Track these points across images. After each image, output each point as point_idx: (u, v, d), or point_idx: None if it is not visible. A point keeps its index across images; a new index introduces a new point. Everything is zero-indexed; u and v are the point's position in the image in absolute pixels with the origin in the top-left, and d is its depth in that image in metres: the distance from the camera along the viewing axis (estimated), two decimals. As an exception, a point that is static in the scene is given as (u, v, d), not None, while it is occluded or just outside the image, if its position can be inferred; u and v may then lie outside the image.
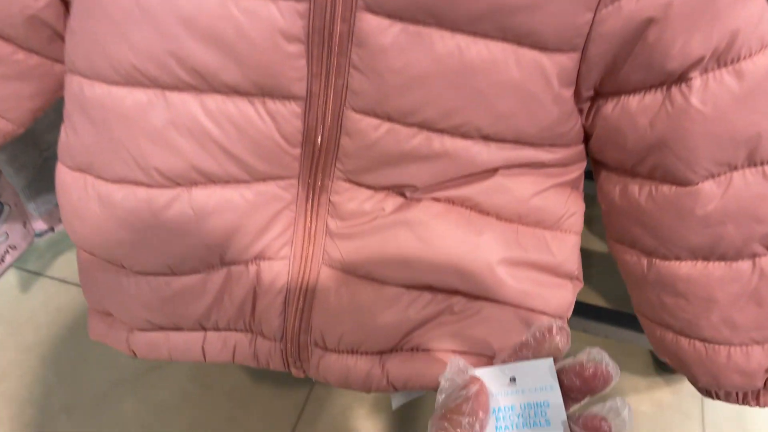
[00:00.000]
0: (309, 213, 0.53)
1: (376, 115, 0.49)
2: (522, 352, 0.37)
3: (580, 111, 0.53)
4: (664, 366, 1.24)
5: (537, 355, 0.37)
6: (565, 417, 0.35)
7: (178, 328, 0.58)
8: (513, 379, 0.36)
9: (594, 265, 1.40)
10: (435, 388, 0.38)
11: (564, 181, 0.55)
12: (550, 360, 0.36)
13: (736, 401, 0.61)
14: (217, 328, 0.58)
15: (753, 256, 0.52)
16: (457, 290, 0.52)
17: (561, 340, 0.37)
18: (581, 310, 1.04)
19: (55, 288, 1.36)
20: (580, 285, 0.58)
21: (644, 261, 0.57)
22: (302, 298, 0.54)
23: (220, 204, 0.52)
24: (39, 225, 1.12)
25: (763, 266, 0.53)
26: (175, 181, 0.51)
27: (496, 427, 0.36)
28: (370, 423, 1.16)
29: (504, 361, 0.38)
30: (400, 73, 0.46)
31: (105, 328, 0.61)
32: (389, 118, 0.49)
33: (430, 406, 1.15)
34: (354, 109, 0.49)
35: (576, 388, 0.36)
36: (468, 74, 0.47)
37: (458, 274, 0.52)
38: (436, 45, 0.46)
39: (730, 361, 0.56)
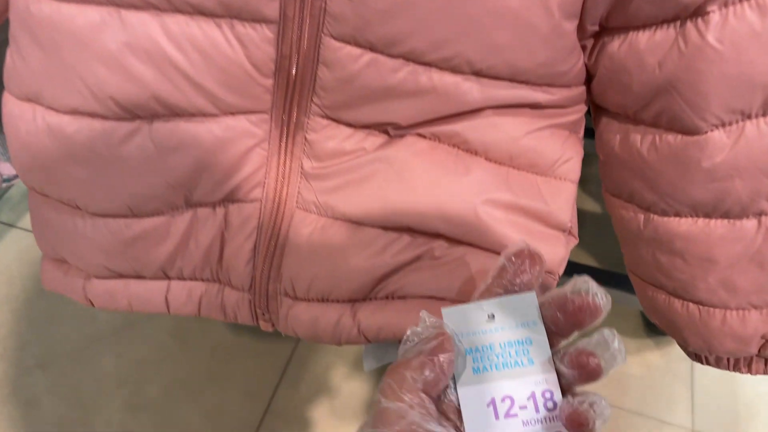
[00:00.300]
0: (283, 152, 0.49)
1: (357, 44, 0.44)
2: (500, 280, 0.34)
3: (583, 48, 0.49)
4: (654, 328, 1.24)
5: (515, 278, 0.34)
6: (549, 355, 0.32)
7: (139, 276, 0.54)
8: (492, 316, 0.33)
9: (585, 225, 1.39)
10: None
11: (561, 122, 0.50)
12: (533, 294, 0.33)
13: (727, 368, 0.59)
14: (181, 277, 0.54)
15: (759, 214, 0.49)
16: (438, 233, 0.48)
17: (537, 261, 0.34)
18: (571, 269, 1.01)
19: (29, 240, 1.32)
20: (574, 241, 0.54)
21: (641, 216, 0.53)
22: (273, 243, 0.50)
23: (185, 139, 0.47)
24: (7, 169, 1.08)
25: (769, 226, 0.49)
26: (133, 112, 0.46)
27: (473, 369, 0.33)
28: (354, 382, 1.15)
29: (482, 297, 0.34)
30: None
31: (60, 276, 0.57)
32: (372, 48, 0.44)
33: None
34: (333, 36, 0.44)
35: (560, 323, 0.33)
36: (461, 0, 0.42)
37: (441, 215, 0.47)
38: None
39: (725, 325, 0.54)
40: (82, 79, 0.45)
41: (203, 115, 0.47)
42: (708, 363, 0.60)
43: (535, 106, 0.48)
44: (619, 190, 0.54)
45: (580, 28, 0.46)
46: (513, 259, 0.34)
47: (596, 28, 0.47)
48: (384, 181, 0.48)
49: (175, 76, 0.45)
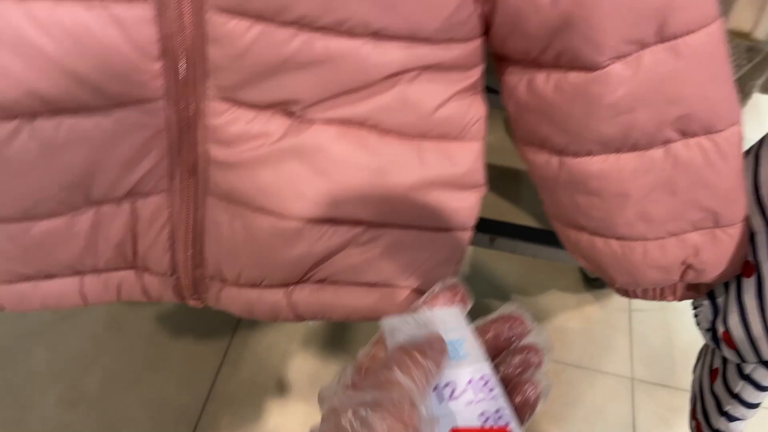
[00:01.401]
0: (186, 141, 0.46)
1: (244, 14, 0.42)
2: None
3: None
4: (593, 282, 1.27)
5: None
6: (481, 349, 0.35)
7: (49, 276, 0.51)
8: (424, 326, 0.36)
9: (523, 184, 1.40)
10: (347, 320, 0.40)
11: (465, 86, 0.50)
12: (457, 308, 0.36)
13: (654, 297, 0.61)
14: (96, 270, 0.51)
15: (666, 142, 0.50)
16: (360, 220, 0.48)
17: (460, 297, 0.37)
18: (510, 230, 1.03)
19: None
20: (484, 190, 0.55)
21: (555, 161, 0.53)
22: (191, 231, 0.48)
23: (72, 136, 0.44)
24: None
25: (676, 153, 0.50)
26: (10, 111, 0.43)
27: None
28: (298, 359, 1.13)
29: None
30: None
31: None
32: (260, 17, 0.42)
33: (359, 340, 1.14)
34: (217, 8, 0.41)
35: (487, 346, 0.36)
36: None
37: (360, 203, 0.47)
38: None
39: (647, 257, 0.55)
40: None
41: (89, 109, 0.44)
42: (636, 296, 0.61)
43: (438, 67, 0.47)
44: (530, 137, 0.54)
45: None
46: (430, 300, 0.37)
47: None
48: (298, 174, 0.46)
49: (49, 68, 0.41)
